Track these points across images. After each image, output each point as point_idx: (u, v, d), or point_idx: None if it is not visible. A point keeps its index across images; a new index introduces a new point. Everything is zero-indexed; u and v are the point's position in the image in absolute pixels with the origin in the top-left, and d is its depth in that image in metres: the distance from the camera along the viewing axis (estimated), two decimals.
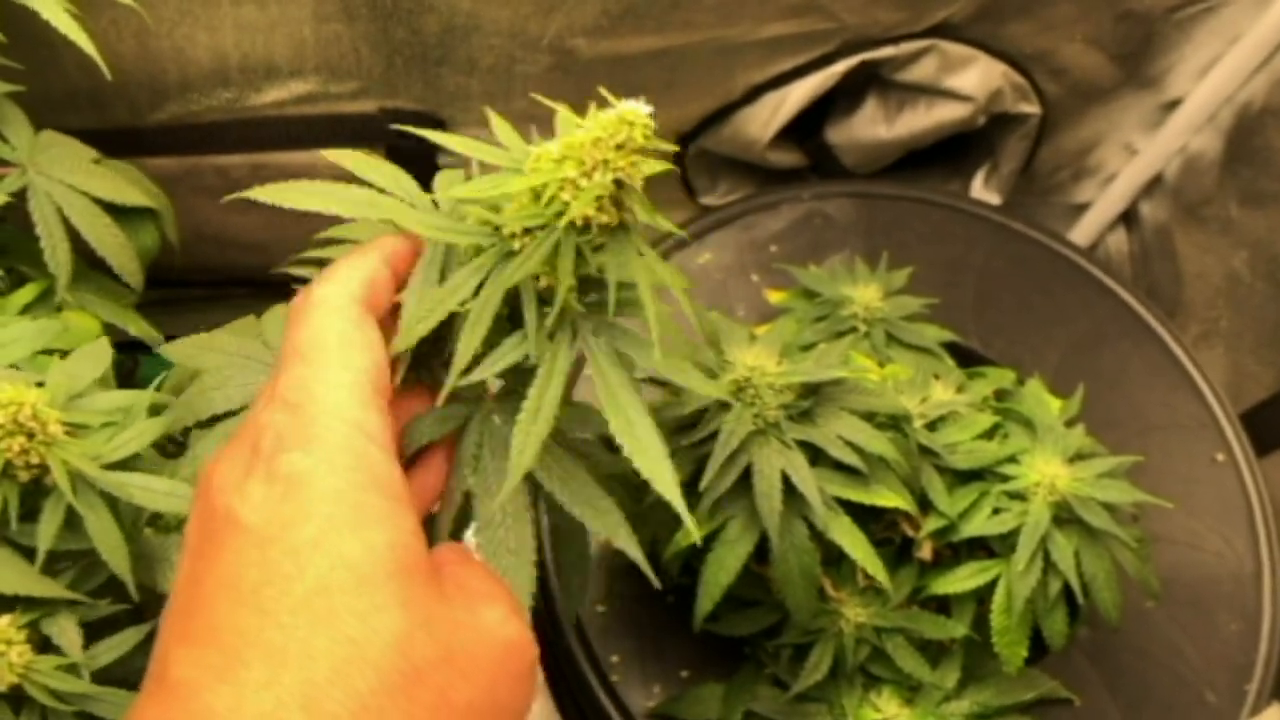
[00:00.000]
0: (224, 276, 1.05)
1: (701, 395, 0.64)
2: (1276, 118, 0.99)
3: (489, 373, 0.43)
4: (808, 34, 0.95)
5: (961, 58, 1.01)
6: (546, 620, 0.78)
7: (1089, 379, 0.85)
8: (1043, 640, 0.70)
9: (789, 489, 0.62)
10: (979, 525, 0.69)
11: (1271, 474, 0.91)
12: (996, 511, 0.70)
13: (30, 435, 0.49)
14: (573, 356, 0.44)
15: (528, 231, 0.42)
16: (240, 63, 0.85)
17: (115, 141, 0.82)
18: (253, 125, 0.90)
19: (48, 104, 0.77)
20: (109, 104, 0.87)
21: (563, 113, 0.43)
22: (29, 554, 0.50)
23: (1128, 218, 1.19)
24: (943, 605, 0.72)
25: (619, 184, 0.40)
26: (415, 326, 0.43)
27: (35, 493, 0.51)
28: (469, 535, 0.47)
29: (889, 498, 0.65)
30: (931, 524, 0.70)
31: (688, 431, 0.65)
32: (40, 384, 0.52)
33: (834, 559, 0.68)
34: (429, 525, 0.46)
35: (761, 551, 0.65)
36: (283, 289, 0.69)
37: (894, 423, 0.68)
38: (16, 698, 0.50)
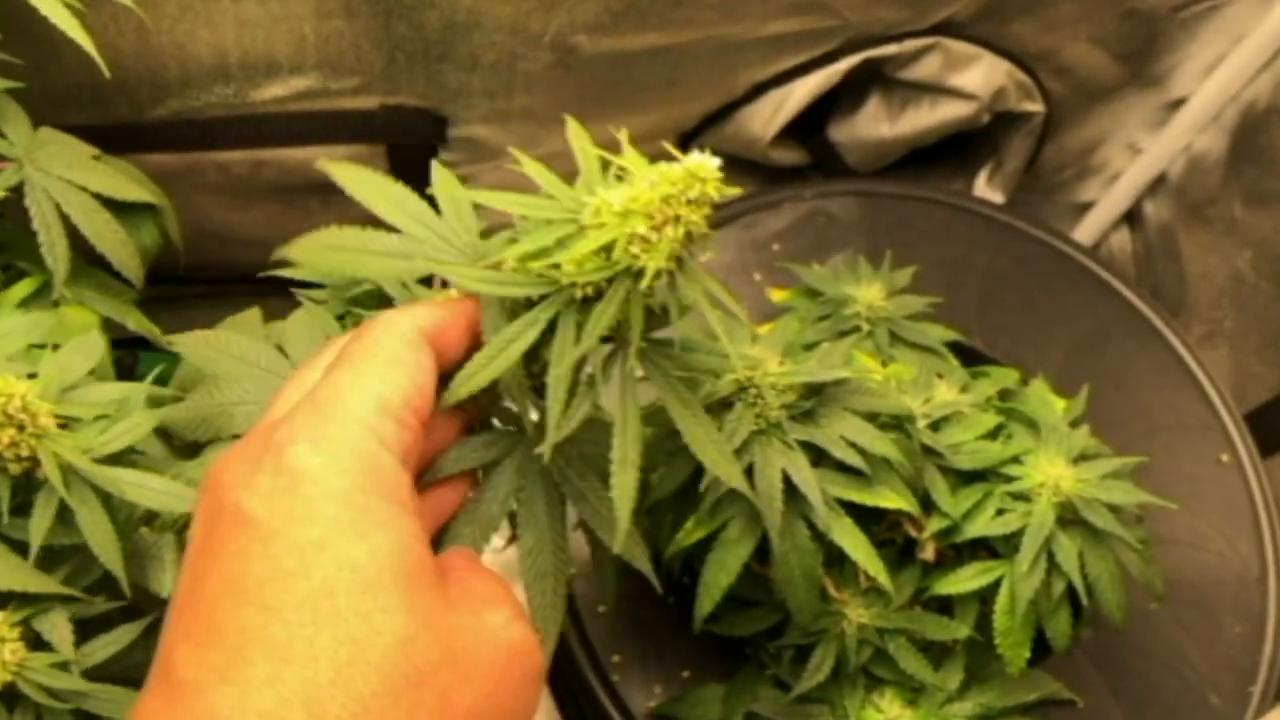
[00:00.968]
0: (225, 273, 1.04)
1: (702, 395, 0.64)
2: None
3: (569, 429, 0.43)
4: (811, 32, 0.95)
5: (965, 56, 1.01)
6: None
7: (1093, 379, 0.84)
8: (1046, 641, 0.70)
9: (790, 489, 0.62)
10: (982, 526, 0.69)
11: (1276, 475, 0.91)
12: (1000, 512, 0.69)
13: (20, 427, 0.49)
14: (640, 393, 0.45)
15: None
16: (241, 59, 0.85)
17: (116, 138, 0.82)
18: (254, 121, 0.90)
19: (48, 100, 0.77)
20: (109, 100, 0.87)
21: (632, 163, 0.42)
22: (21, 549, 0.50)
23: (1131, 217, 1.18)
24: (945, 606, 0.71)
25: (689, 236, 0.40)
26: (474, 377, 0.43)
27: (27, 486, 0.50)
28: (488, 551, 0.48)
29: (892, 499, 0.65)
30: (934, 525, 0.69)
31: None
32: (32, 376, 0.51)
33: (836, 559, 0.67)
34: (441, 534, 0.47)
35: (763, 552, 0.64)
36: (284, 287, 0.69)
37: (897, 423, 0.68)
38: (10, 695, 0.49)
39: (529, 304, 0.44)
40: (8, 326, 0.55)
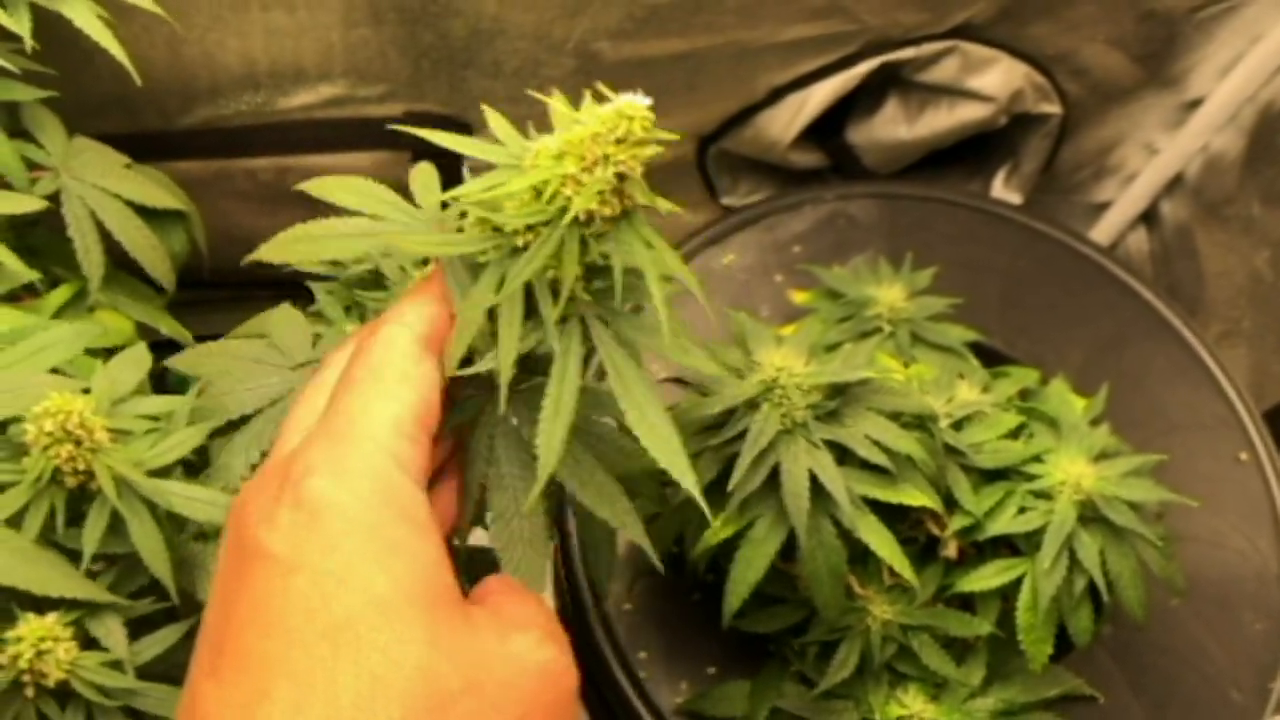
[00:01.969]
0: (251, 278, 1.05)
1: (729, 396, 0.65)
2: None
3: (508, 361, 0.42)
4: (830, 36, 0.95)
5: (983, 58, 1.01)
6: (574, 618, 0.78)
7: (1112, 378, 0.85)
8: (1068, 638, 0.71)
9: (816, 488, 0.63)
10: (1004, 524, 0.70)
11: None
12: (1022, 510, 0.70)
13: (78, 443, 0.50)
14: (585, 349, 0.43)
15: (530, 228, 0.41)
16: (269, 67, 0.86)
17: (146, 146, 0.83)
18: (281, 129, 0.91)
19: (80, 109, 0.78)
20: (140, 109, 0.88)
21: (558, 106, 0.42)
22: (73, 556, 0.51)
23: (1148, 217, 1.19)
24: (968, 603, 0.72)
25: (621, 177, 0.40)
26: (455, 349, 0.43)
27: (80, 498, 0.52)
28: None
29: (915, 496, 0.65)
30: (957, 523, 0.70)
31: (715, 431, 0.65)
32: (86, 390, 0.52)
33: (860, 557, 0.68)
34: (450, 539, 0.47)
35: (788, 550, 0.65)
36: (303, 289, 0.70)
37: (920, 422, 0.69)
38: (63, 694, 0.51)
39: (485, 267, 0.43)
40: (54, 336, 0.56)
